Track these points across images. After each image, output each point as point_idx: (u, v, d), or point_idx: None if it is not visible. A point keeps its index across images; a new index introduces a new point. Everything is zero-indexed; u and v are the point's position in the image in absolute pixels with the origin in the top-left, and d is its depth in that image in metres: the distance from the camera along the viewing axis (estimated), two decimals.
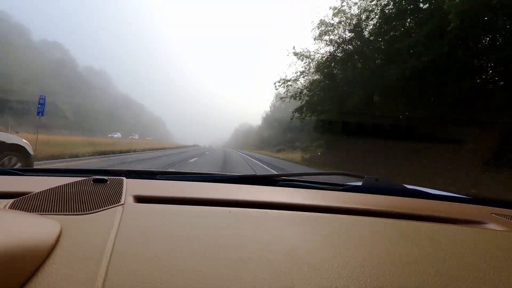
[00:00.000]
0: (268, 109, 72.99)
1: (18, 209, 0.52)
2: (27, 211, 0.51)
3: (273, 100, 64.31)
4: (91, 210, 0.53)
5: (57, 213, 0.51)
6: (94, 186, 0.68)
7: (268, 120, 64.16)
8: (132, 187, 0.73)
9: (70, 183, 0.68)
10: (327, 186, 1.02)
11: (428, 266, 0.43)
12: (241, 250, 0.43)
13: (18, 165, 4.29)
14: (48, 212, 0.51)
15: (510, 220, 0.73)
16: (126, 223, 0.49)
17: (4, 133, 4.37)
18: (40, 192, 0.61)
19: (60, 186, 0.66)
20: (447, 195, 1.03)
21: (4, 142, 4.10)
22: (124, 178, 0.79)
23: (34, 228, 0.41)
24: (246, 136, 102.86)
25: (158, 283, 0.33)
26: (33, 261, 0.34)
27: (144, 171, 1.16)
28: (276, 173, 4.81)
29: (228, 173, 1.24)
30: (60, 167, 1.24)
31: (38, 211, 0.51)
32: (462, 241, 0.54)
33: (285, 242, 0.47)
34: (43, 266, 0.34)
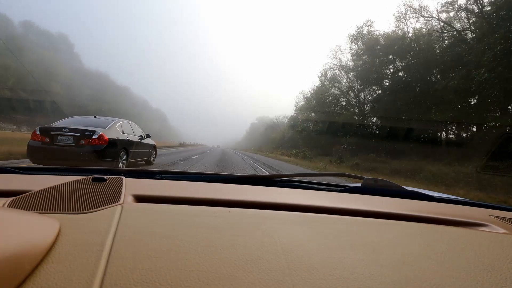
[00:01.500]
0: (311, 88, 40.79)
1: (17, 208, 0.52)
2: (26, 210, 0.51)
3: (327, 66, 33.81)
4: (90, 209, 0.53)
5: (56, 212, 0.51)
6: (93, 185, 0.68)
7: (314, 109, 34.79)
8: (131, 186, 0.73)
9: (69, 182, 0.68)
10: (326, 187, 1.04)
11: (426, 267, 0.43)
12: (239, 250, 0.43)
13: (154, 156, 8.95)
14: (47, 211, 0.51)
15: (509, 222, 0.73)
16: (125, 222, 0.49)
17: (149, 137, 8.43)
18: (39, 190, 0.60)
19: (59, 185, 0.65)
20: (445, 197, 1.05)
21: (151, 143, 8.57)
22: (123, 177, 0.79)
23: (33, 227, 0.41)
24: (267, 134, 71.65)
25: (156, 282, 0.34)
26: (31, 260, 0.34)
27: (143, 170, 1.15)
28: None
29: (227, 173, 1.24)
30: (59, 166, 1.19)
31: (37, 210, 0.51)
32: (460, 243, 0.55)
33: (284, 243, 0.47)
34: (41, 264, 0.35)
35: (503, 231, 0.67)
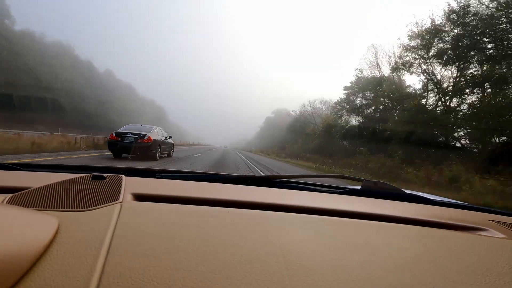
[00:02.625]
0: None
1: (16, 204, 0.52)
2: (25, 207, 0.52)
3: None
4: (89, 207, 0.53)
5: (55, 209, 0.52)
6: (93, 183, 0.69)
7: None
8: (130, 185, 0.74)
9: (69, 180, 0.69)
10: (326, 189, 1.06)
11: (425, 270, 0.44)
12: (237, 250, 0.44)
13: (172, 151, 12.64)
14: (46, 208, 0.52)
15: (508, 227, 0.74)
16: (124, 221, 0.49)
17: (170, 138, 11.98)
18: (39, 187, 0.61)
19: (59, 182, 0.66)
20: (445, 201, 1.06)
21: (171, 142, 12.38)
22: (123, 175, 0.80)
23: (32, 224, 0.41)
24: (294, 128, 46.16)
25: (154, 282, 0.34)
26: (30, 256, 0.34)
27: (143, 169, 1.17)
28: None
29: (227, 173, 1.23)
30: (59, 163, 1.20)
31: (36, 207, 0.52)
32: (459, 247, 0.55)
33: (282, 244, 0.47)
34: (40, 262, 0.35)
35: (502, 236, 0.67)
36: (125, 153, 9.68)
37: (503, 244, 0.61)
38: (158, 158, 10.08)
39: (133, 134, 9.41)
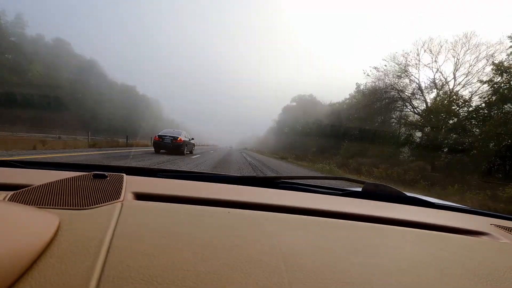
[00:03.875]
0: None
1: (17, 202, 0.53)
2: (27, 204, 0.52)
3: None
4: (90, 206, 0.54)
5: (56, 207, 0.52)
6: (94, 182, 0.70)
7: None
8: (132, 184, 0.75)
9: (70, 178, 0.71)
10: (327, 190, 1.07)
11: (426, 274, 0.44)
12: (237, 251, 0.44)
13: (194, 149, 16.66)
14: (47, 205, 0.52)
15: (510, 232, 0.74)
16: (125, 220, 0.50)
17: (193, 139, 16.00)
18: (40, 185, 0.62)
19: (60, 180, 0.67)
20: (446, 205, 1.07)
21: (193, 142, 16.57)
22: (124, 174, 0.81)
23: (33, 222, 0.42)
24: (334, 120, 26.26)
25: (154, 281, 0.34)
26: (30, 254, 0.34)
27: (144, 168, 1.20)
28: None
29: (228, 174, 1.23)
30: (61, 161, 1.14)
31: (37, 205, 0.53)
32: (461, 251, 0.56)
33: (282, 245, 0.48)
34: (40, 259, 0.35)
35: (504, 240, 0.67)
36: (163, 149, 13.63)
37: (506, 249, 0.62)
38: (185, 154, 14.06)
39: (170, 136, 13.43)
